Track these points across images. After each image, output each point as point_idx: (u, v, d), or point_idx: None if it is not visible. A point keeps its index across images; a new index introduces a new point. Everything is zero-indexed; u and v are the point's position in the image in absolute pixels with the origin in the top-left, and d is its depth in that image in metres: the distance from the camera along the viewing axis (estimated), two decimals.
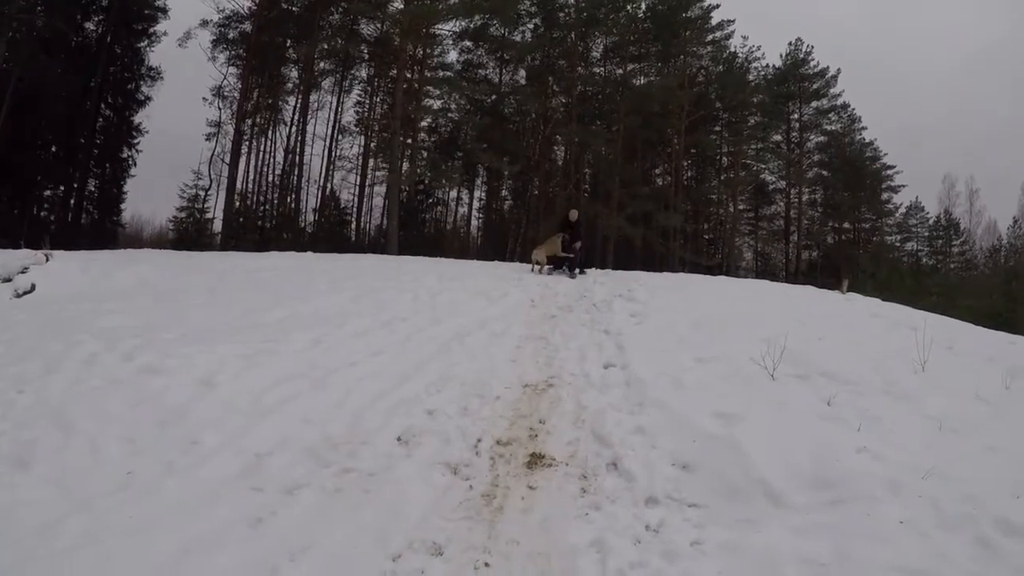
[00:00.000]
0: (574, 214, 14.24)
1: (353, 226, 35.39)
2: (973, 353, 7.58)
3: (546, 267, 13.33)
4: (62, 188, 28.67)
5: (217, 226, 29.68)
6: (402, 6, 27.17)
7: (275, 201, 33.48)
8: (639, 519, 3.63)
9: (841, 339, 7.46)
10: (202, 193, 31.04)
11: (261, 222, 32.27)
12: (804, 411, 4.83)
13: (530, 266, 13.62)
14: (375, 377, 5.62)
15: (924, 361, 6.12)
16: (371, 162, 34.86)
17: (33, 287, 9.26)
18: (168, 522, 3.35)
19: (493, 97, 35.34)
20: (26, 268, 9.86)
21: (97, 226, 28.98)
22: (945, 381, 5.88)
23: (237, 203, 29.75)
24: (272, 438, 4.35)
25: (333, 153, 34.04)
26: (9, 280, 9.30)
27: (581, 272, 13.06)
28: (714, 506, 3.73)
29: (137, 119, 31.02)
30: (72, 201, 29.02)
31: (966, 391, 5.60)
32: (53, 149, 27.94)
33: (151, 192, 55.64)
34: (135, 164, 30.89)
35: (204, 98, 30.88)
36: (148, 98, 31.14)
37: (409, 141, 30.21)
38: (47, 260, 10.89)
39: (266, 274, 11.37)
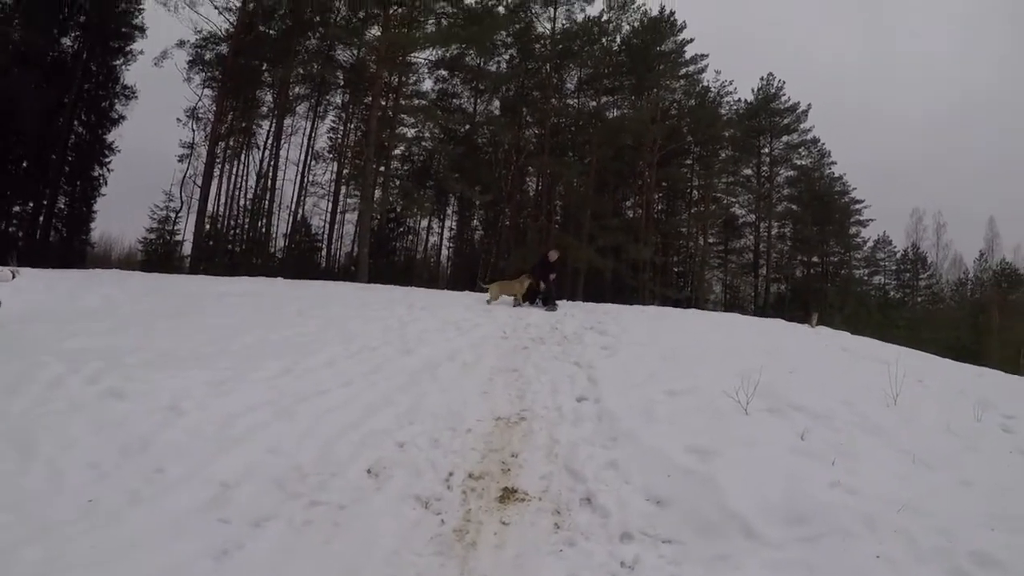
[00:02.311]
0: (553, 255, 13.99)
1: (324, 253, 35.23)
2: (943, 386, 7.69)
3: (515, 299, 13.21)
4: (31, 204, 28.08)
5: (187, 248, 29.34)
6: (379, 33, 27.27)
7: (246, 225, 33.14)
8: (614, 556, 3.56)
9: (812, 373, 7.51)
10: (172, 215, 30.84)
11: (232, 246, 31.89)
12: (777, 445, 4.82)
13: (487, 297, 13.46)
14: (344, 407, 5.52)
15: (896, 395, 6.18)
16: (343, 189, 34.86)
17: None
18: (131, 554, 3.25)
19: (467, 127, 35.48)
20: None
21: (66, 244, 28.44)
22: (917, 414, 5.96)
23: (208, 226, 29.41)
24: (239, 468, 4.24)
25: (306, 179, 33.99)
26: None
27: (552, 305, 12.96)
28: (689, 542, 3.69)
29: (110, 138, 30.66)
30: (41, 218, 28.40)
31: (938, 424, 5.69)
32: (24, 164, 27.38)
33: (121, 211, 54.70)
34: (106, 183, 30.46)
35: (178, 119, 30.74)
36: (122, 117, 30.79)
37: (382, 169, 30.18)
38: (13, 277, 10.76)
39: (235, 299, 11.24)
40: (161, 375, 5.71)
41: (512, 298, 13.21)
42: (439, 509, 4.03)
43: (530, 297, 13.32)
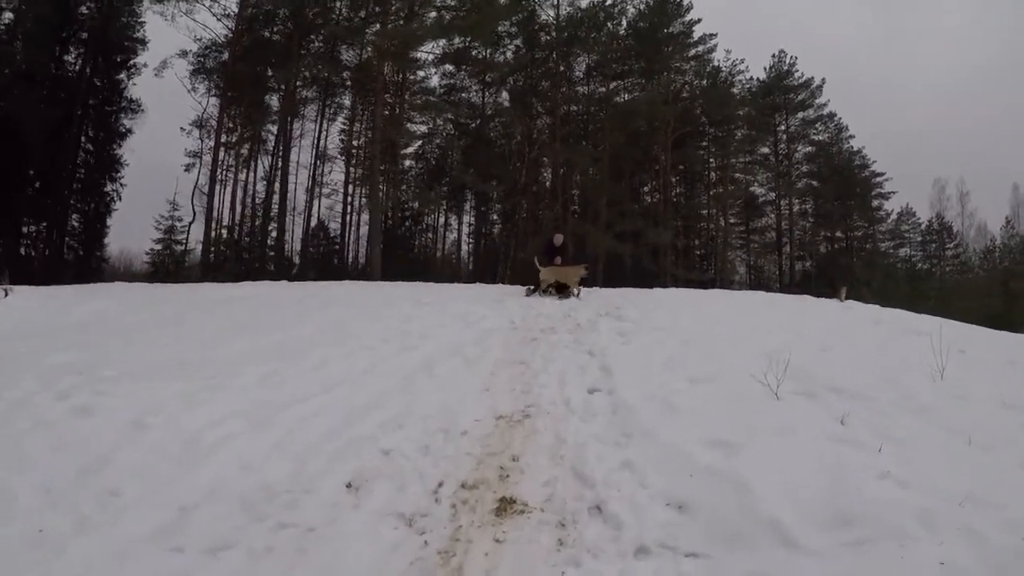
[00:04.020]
0: (559, 238, 13.53)
1: (343, 254, 34.95)
2: (989, 357, 7.07)
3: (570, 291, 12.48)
4: (44, 224, 28.04)
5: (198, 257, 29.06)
6: (379, 28, 26.86)
7: (256, 232, 32.88)
8: None
9: (847, 350, 6.88)
10: (178, 224, 30.80)
11: (247, 253, 31.66)
12: (814, 433, 4.21)
13: (525, 289, 12.79)
14: (328, 413, 5.00)
15: (942, 368, 5.53)
16: (357, 190, 34.52)
17: None
18: None
19: (478, 121, 35.18)
20: None
21: (82, 262, 28.27)
22: (967, 389, 5.27)
23: (224, 234, 29.27)
24: (202, 487, 3.78)
25: (317, 182, 33.64)
26: None
27: (565, 293, 12.31)
28: (716, 555, 3.12)
29: (120, 152, 30.69)
30: (55, 236, 28.35)
31: (991, 399, 5.02)
32: (37, 185, 27.41)
33: (140, 225, 54.81)
34: (120, 198, 30.45)
35: (181, 128, 30.47)
36: (129, 131, 30.79)
37: (385, 167, 29.69)
38: (6, 295, 10.61)
39: (233, 305, 10.81)
40: (135, 387, 5.23)
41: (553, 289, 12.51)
42: (424, 527, 3.51)
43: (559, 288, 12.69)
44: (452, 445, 4.54)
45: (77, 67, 29.37)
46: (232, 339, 7.61)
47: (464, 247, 40.77)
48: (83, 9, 29.17)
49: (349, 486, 3.93)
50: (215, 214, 29.60)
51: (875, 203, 42.41)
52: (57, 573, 2.97)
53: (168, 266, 30.12)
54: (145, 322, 9.19)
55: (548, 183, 35.92)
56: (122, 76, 30.63)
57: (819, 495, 3.36)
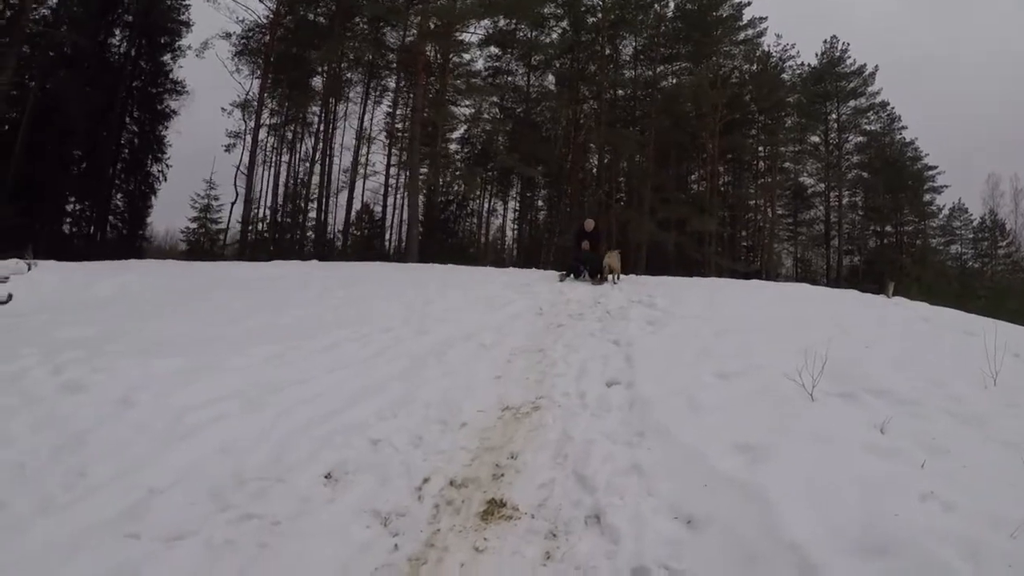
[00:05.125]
0: (590, 223, 13.20)
1: (384, 237, 34.98)
2: None
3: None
4: (86, 203, 28.59)
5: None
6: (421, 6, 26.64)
7: (298, 213, 33.00)
8: None
9: (891, 348, 6.33)
10: (214, 203, 31.23)
11: (288, 234, 31.82)
12: (850, 442, 3.72)
13: (559, 275, 12.52)
14: (325, 397, 4.69)
15: (996, 373, 4.99)
16: (401, 173, 34.29)
17: (10, 297, 8.75)
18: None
19: (524, 106, 34.94)
20: (6, 278, 9.43)
21: (125, 240, 28.62)
22: (1023, 397, 4.72)
23: (265, 214, 29.40)
24: (176, 470, 3.51)
25: (361, 163, 33.54)
26: None
27: (598, 279, 12.02)
28: None
29: (165, 133, 31.11)
30: (97, 215, 28.90)
31: None
32: (84, 165, 27.89)
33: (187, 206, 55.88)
34: (165, 179, 30.95)
35: (223, 108, 30.63)
36: (174, 112, 31.20)
37: (426, 148, 29.42)
38: (29, 270, 10.54)
39: (259, 284, 10.69)
40: (133, 364, 4.99)
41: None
42: (399, 528, 3.15)
43: (574, 270, 12.37)
44: (448, 437, 4.19)
45: (122, 49, 29.84)
46: (248, 317, 7.47)
47: (509, 233, 40.60)
48: None
49: (328, 477, 3.61)
50: (256, 194, 29.79)
51: (927, 197, 41.32)
52: (15, 552, 2.76)
53: (203, 244, 30.44)
54: (165, 298, 9.09)
55: (594, 169, 35.39)
56: (167, 58, 31.11)
57: (850, 516, 2.91)
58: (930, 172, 40.42)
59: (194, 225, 31.35)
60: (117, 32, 29.55)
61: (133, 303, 8.60)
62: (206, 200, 31.54)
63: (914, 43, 78.67)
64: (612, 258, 12.29)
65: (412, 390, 4.98)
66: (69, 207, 28.10)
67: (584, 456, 3.86)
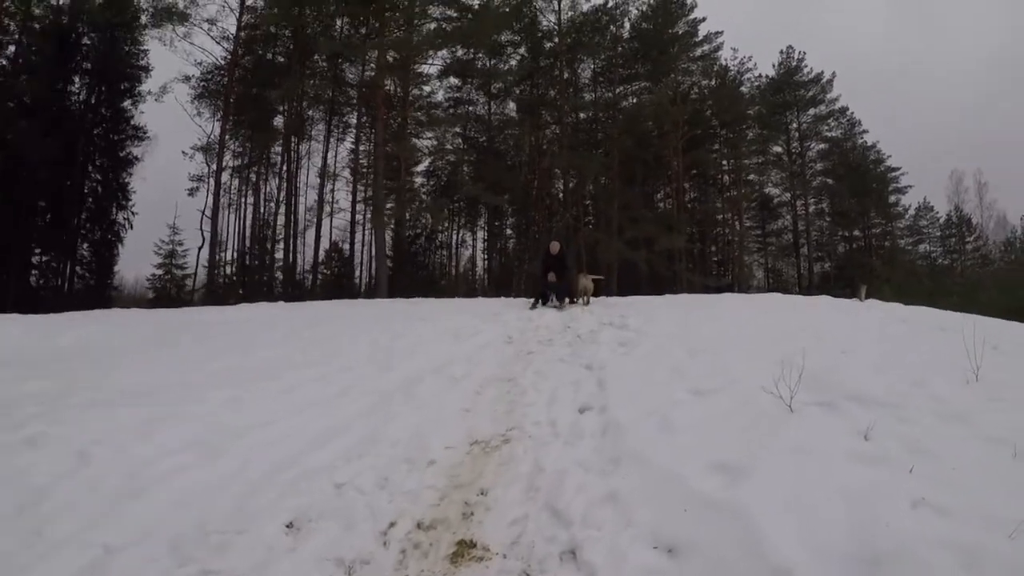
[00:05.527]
0: (555, 246, 12.79)
1: (353, 274, 34.66)
2: None
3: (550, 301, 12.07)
4: (52, 254, 28.12)
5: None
6: (377, 39, 26.70)
7: (264, 255, 32.64)
8: None
9: (868, 352, 6.22)
10: (179, 248, 31.05)
11: (255, 276, 31.43)
12: (833, 451, 3.56)
13: (529, 302, 12.36)
14: (287, 441, 4.47)
15: (977, 368, 4.89)
16: (365, 208, 34.07)
17: None
18: None
19: (486, 135, 35.15)
20: None
21: (92, 291, 28.05)
22: (1006, 391, 4.57)
23: (230, 257, 29.09)
24: (136, 525, 3.33)
25: (327, 201, 33.32)
26: None
27: (563, 303, 11.90)
28: None
29: (128, 180, 30.77)
30: (64, 267, 28.42)
31: None
32: (48, 216, 27.52)
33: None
34: (131, 226, 30.53)
35: (184, 152, 30.37)
36: (137, 158, 30.88)
37: (390, 183, 29.37)
38: None
39: (223, 327, 10.42)
40: (93, 416, 4.79)
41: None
42: None
43: (542, 296, 12.19)
44: (415, 477, 3.99)
45: (82, 97, 29.61)
46: (212, 361, 7.20)
47: (480, 263, 40.63)
48: (85, 40, 29.39)
49: (290, 526, 3.42)
50: (222, 237, 29.50)
51: (892, 199, 42.06)
52: None
53: (170, 291, 30.08)
54: (127, 347, 8.78)
55: (560, 193, 35.51)
56: (127, 103, 30.86)
57: (839, 530, 2.76)
58: (894, 174, 41.16)
59: (160, 272, 31.12)
60: (76, 79, 29.35)
61: (95, 354, 8.30)
62: (170, 246, 31.39)
63: (888, 52, 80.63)
64: (587, 280, 12.17)
65: (378, 428, 4.77)
66: (35, 259, 27.68)
67: (557, 488, 3.67)
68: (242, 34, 28.76)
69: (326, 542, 3.27)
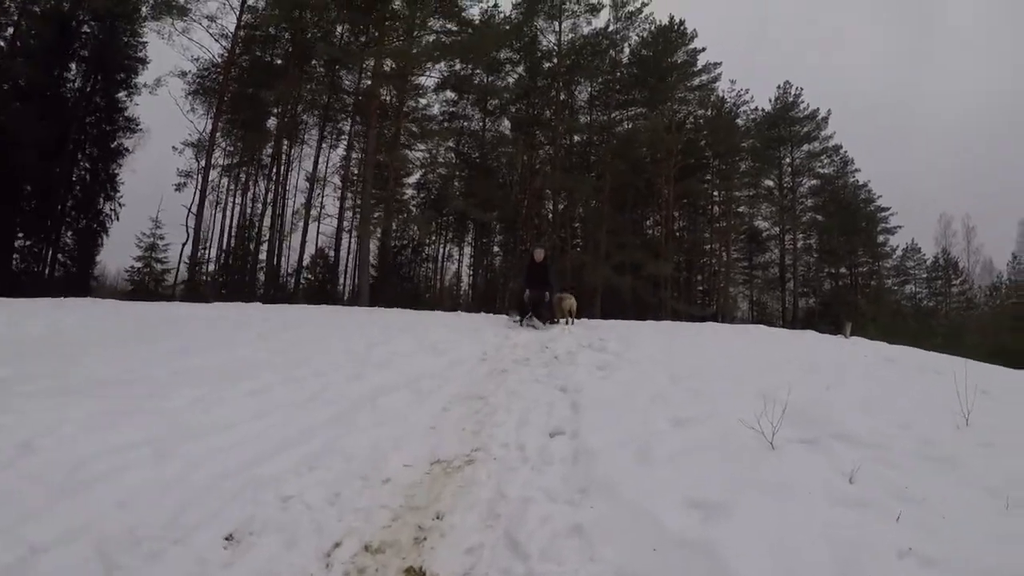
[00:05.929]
0: (539, 253, 12.43)
1: (337, 281, 34.48)
2: (1017, 399, 6.24)
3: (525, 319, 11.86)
4: (35, 239, 27.83)
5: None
6: (376, 48, 26.71)
7: (248, 255, 32.33)
8: None
9: (855, 389, 6.02)
10: (160, 243, 30.89)
11: (240, 276, 31.12)
12: (817, 494, 3.35)
13: (509, 319, 12.20)
14: (241, 446, 4.21)
15: (968, 412, 4.71)
16: (353, 216, 33.84)
17: None
18: None
19: (479, 151, 35.17)
20: None
21: (75, 279, 27.65)
22: (997, 437, 4.42)
23: (212, 255, 28.76)
24: (67, 525, 3.06)
25: (315, 206, 33.10)
26: None
27: (570, 322, 11.64)
28: None
29: (118, 171, 30.48)
30: (48, 253, 28.15)
31: None
32: (34, 202, 27.23)
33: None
34: (117, 217, 30.18)
35: (174, 147, 30.09)
36: (128, 150, 30.59)
37: (379, 192, 29.20)
38: None
39: (195, 323, 10.16)
40: (44, 406, 4.52)
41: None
42: None
43: (523, 311, 11.93)
44: (368, 495, 3.72)
45: (77, 84, 29.33)
46: (178, 358, 6.92)
47: (465, 279, 40.56)
48: (85, 28, 29.18)
49: (229, 538, 3.16)
50: (207, 235, 29.28)
51: (880, 238, 42.28)
52: None
53: (148, 284, 29.80)
54: (94, 338, 8.49)
55: (550, 214, 35.43)
56: (122, 94, 30.50)
57: None
58: (883, 213, 41.38)
59: (139, 264, 30.81)
60: (73, 67, 29.06)
61: (60, 342, 8.01)
62: (152, 239, 31.12)
63: (885, 90, 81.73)
64: (568, 301, 11.97)
65: (337, 440, 4.50)
66: (18, 243, 27.26)
67: (519, 517, 3.41)
68: (241, 33, 28.56)
69: (265, 559, 3.01)
